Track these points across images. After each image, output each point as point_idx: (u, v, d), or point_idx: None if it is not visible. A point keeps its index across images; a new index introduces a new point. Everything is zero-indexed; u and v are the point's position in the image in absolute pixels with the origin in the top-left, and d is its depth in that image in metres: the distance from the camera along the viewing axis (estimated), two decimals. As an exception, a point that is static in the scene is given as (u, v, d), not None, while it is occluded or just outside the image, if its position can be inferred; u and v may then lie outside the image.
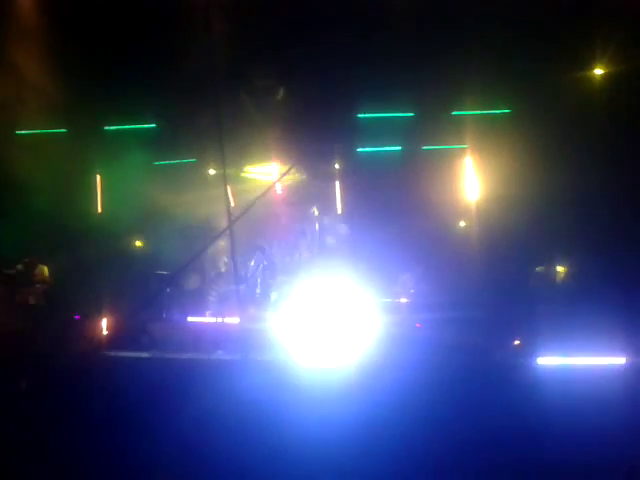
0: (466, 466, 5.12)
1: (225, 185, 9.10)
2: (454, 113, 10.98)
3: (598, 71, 10.17)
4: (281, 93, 11.06)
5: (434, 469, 5.10)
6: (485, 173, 10.81)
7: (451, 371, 6.58)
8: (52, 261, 10.14)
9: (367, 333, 7.48)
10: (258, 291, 10.17)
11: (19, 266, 10.04)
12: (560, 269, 8.38)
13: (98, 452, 5.41)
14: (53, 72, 9.96)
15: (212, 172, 11.66)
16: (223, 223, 9.78)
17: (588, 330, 7.01)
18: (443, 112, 10.91)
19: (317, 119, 10.90)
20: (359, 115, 11.18)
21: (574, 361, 7.02)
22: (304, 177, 11.65)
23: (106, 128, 11.35)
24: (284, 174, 11.21)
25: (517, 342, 7.31)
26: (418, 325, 8.04)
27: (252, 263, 10.36)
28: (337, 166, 11.91)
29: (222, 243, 9.95)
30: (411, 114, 11.15)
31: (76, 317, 8.82)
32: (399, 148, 11.42)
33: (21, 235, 10.03)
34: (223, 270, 10.41)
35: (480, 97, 10.63)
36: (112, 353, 7.75)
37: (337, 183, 11.90)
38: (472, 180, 11.04)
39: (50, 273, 10.06)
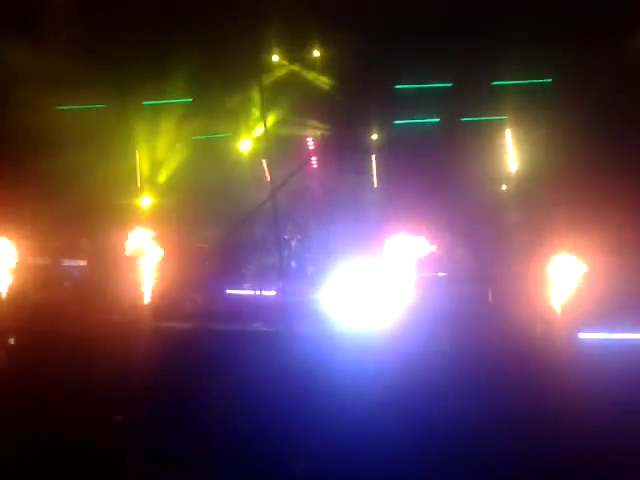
0: (504, 438, 5.13)
1: (264, 158, 9.11)
2: (494, 83, 10.74)
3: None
4: (319, 65, 10.98)
5: (467, 439, 5.13)
6: (525, 145, 10.60)
7: (490, 345, 6.57)
8: (94, 235, 10.38)
9: (405, 306, 7.50)
10: (293, 264, 10.22)
11: (62, 239, 10.31)
12: (603, 242, 8.21)
13: (140, 420, 5.55)
14: (92, 48, 10.06)
15: (249, 146, 11.68)
16: (260, 197, 9.89)
17: (631, 306, 6.90)
18: (482, 82, 10.69)
19: (354, 91, 10.82)
20: (396, 86, 11.03)
21: (616, 336, 6.94)
22: (340, 149, 11.57)
23: (145, 103, 11.44)
24: (321, 146, 11.17)
25: (559, 317, 7.25)
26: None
27: (289, 224, 10.37)
28: (374, 138, 11.78)
29: (260, 218, 10.02)
30: (449, 84, 10.95)
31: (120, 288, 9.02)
32: (437, 120, 11.24)
33: (63, 210, 10.26)
34: (262, 244, 10.50)
35: (520, 66, 10.37)
36: (154, 323, 7.93)
37: (373, 156, 11.79)
38: (512, 152, 10.85)
39: (93, 247, 10.30)
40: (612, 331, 6.93)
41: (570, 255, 7.38)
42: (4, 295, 8.32)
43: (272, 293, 9.27)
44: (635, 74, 9.61)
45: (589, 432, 5.11)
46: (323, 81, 11.04)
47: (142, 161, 11.57)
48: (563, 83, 10.25)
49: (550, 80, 10.58)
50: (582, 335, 7.00)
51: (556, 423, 5.25)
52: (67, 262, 10.10)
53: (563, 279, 7.40)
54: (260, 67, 9.19)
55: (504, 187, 10.85)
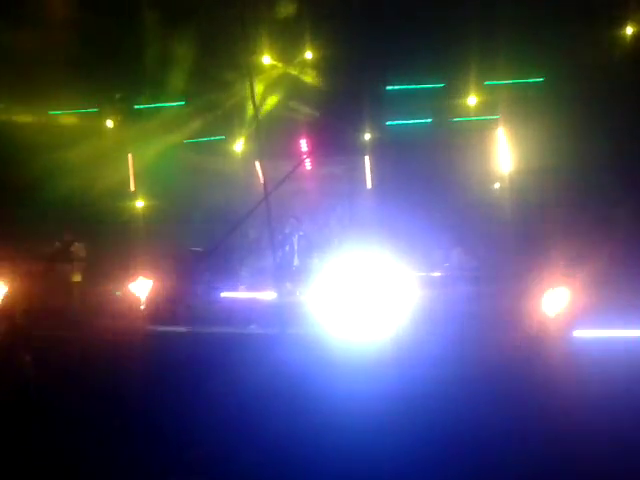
0: (501, 439, 5.12)
1: (257, 160, 9.11)
2: (486, 83, 10.77)
3: (633, 35, 9.85)
4: (311, 67, 10.98)
5: (469, 441, 5.11)
6: (518, 144, 10.63)
7: (486, 345, 6.56)
8: (88, 239, 10.35)
9: (402, 307, 7.49)
10: (296, 262, 10.17)
11: (57, 244, 10.27)
12: (599, 240, 8.24)
13: (135, 424, 5.53)
14: (83, 52, 10.03)
15: (241, 148, 11.68)
16: (254, 199, 9.85)
17: (628, 303, 6.91)
18: (474, 82, 10.71)
19: (346, 92, 10.82)
20: (388, 87, 11.04)
21: (611, 334, 6.94)
22: (334, 151, 11.58)
23: (136, 107, 11.43)
24: (314, 148, 11.18)
25: (554, 315, 7.25)
26: None
27: (287, 231, 10.33)
28: (367, 139, 11.79)
29: (254, 220, 9.99)
30: (441, 85, 10.97)
31: (114, 293, 9.00)
32: (429, 120, 11.26)
33: (57, 215, 10.23)
34: (256, 246, 10.49)
35: (512, 66, 10.40)
36: (149, 328, 7.90)
37: (366, 157, 11.80)
38: (505, 151, 10.87)
39: (87, 251, 10.27)
40: (607, 328, 6.93)
41: (564, 253, 7.42)
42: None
43: (268, 295, 9.24)
44: (627, 71, 9.64)
45: (585, 428, 5.11)
46: (315, 82, 11.04)
47: (136, 165, 11.57)
48: (555, 81, 10.28)
49: (542, 79, 10.61)
50: (577, 333, 7.00)
51: (556, 421, 5.25)
52: (60, 265, 10.06)
53: (557, 277, 7.42)
54: (252, 69, 9.15)
55: (497, 185, 10.89)
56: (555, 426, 5.20)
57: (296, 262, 10.29)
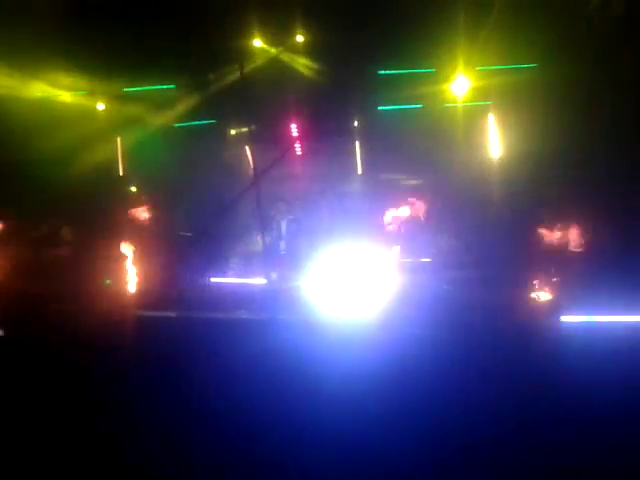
0: (487, 428, 5.15)
1: (247, 144, 9.05)
2: (478, 68, 10.72)
3: (627, 20, 9.81)
4: (302, 51, 10.89)
5: (452, 429, 5.14)
6: (510, 130, 10.62)
7: (472, 330, 6.60)
8: (76, 223, 10.26)
9: (390, 291, 7.51)
10: (285, 247, 10.13)
11: (44, 228, 10.18)
12: (584, 226, 8.28)
13: (125, 410, 5.53)
14: (72, 34, 9.89)
15: (232, 132, 11.60)
16: (245, 184, 9.82)
17: (613, 288, 6.96)
18: (467, 68, 10.67)
19: (337, 77, 10.75)
20: (379, 72, 10.98)
21: (598, 319, 7.00)
22: (324, 136, 11.52)
23: (125, 89, 11.31)
24: (304, 134, 11.12)
25: (541, 300, 7.30)
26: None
27: (275, 214, 10.29)
28: (357, 125, 11.74)
29: (244, 205, 9.95)
30: (432, 70, 10.92)
31: (103, 278, 8.95)
32: (421, 106, 11.22)
33: (44, 199, 10.14)
34: (246, 231, 10.45)
35: (505, 51, 10.35)
36: (139, 313, 7.89)
37: (357, 142, 11.76)
38: (496, 137, 10.86)
39: (75, 235, 10.19)
40: (594, 314, 6.98)
41: (554, 239, 7.46)
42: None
43: (258, 280, 9.23)
44: (621, 58, 9.63)
45: (576, 415, 5.15)
46: (306, 67, 10.97)
47: (124, 149, 11.48)
48: (548, 67, 10.24)
49: (535, 65, 10.58)
50: (564, 318, 7.06)
51: (539, 408, 5.29)
52: (50, 251, 9.97)
53: (545, 263, 7.46)
54: (242, 53, 9.06)
55: (489, 171, 10.88)
56: (542, 410, 5.25)
57: (285, 247, 10.26)
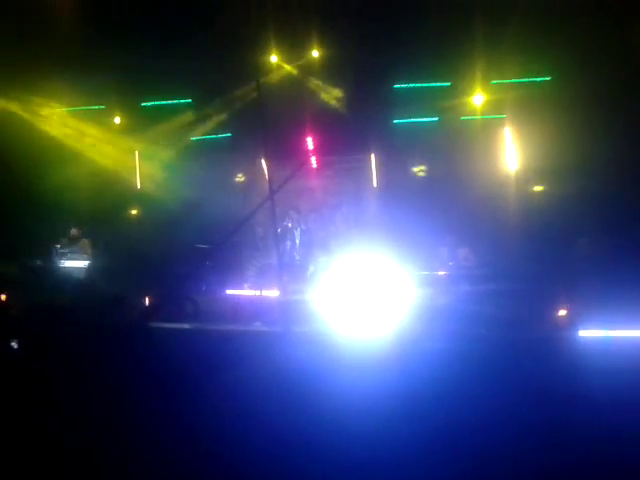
0: (505, 439, 5.10)
1: (263, 158, 9.10)
2: (493, 82, 10.74)
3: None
4: (318, 66, 10.98)
5: (471, 440, 5.09)
6: (525, 143, 10.59)
7: (490, 344, 6.54)
8: (94, 236, 10.39)
9: (405, 305, 7.48)
10: (297, 257, 10.12)
11: (63, 240, 10.31)
12: (603, 240, 8.20)
13: (139, 421, 5.53)
14: (89, 49, 10.06)
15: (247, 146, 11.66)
16: (261, 197, 9.86)
17: (632, 302, 6.87)
18: (481, 81, 10.69)
19: (353, 91, 10.82)
20: (395, 86, 11.02)
21: (617, 334, 6.90)
22: (340, 150, 11.56)
23: (143, 104, 11.46)
24: (320, 146, 11.17)
25: (559, 315, 7.23)
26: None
27: (287, 224, 10.27)
28: (373, 138, 11.76)
29: (260, 218, 9.99)
30: (448, 84, 10.95)
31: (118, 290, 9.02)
32: (436, 119, 11.24)
33: (63, 211, 10.27)
34: (262, 244, 10.49)
35: (519, 65, 10.36)
36: (154, 324, 7.91)
37: (373, 155, 11.78)
38: (511, 150, 10.83)
39: (93, 247, 10.31)
40: (612, 328, 6.89)
41: (571, 252, 7.39)
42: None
43: (273, 293, 9.24)
44: (636, 70, 9.58)
45: (590, 427, 5.08)
46: (322, 81, 11.04)
47: (142, 162, 11.61)
48: (562, 81, 10.23)
49: (549, 78, 10.57)
50: (582, 333, 6.97)
51: (560, 421, 5.22)
52: (67, 263, 10.09)
53: (562, 276, 7.39)
54: (259, 68, 9.15)
55: (504, 184, 10.84)
56: (559, 426, 5.18)
57: (299, 259, 10.27)
